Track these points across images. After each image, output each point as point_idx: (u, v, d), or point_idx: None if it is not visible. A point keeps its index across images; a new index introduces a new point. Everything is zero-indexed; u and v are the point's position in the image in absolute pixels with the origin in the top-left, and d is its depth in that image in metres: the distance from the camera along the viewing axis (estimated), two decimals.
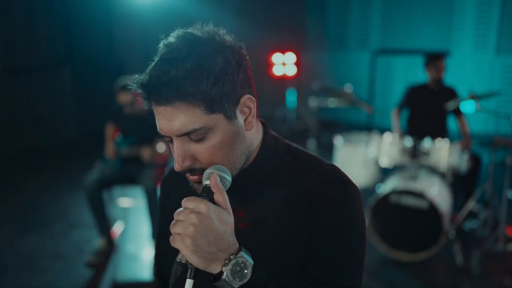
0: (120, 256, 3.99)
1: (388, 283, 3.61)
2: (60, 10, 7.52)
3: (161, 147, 3.97)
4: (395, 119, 4.59)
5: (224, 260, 0.90)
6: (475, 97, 3.93)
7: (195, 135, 0.95)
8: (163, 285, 1.26)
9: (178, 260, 0.91)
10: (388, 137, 4.21)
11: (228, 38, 1.00)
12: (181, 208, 0.91)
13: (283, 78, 8.30)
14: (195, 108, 0.93)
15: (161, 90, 0.91)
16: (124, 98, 3.97)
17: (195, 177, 1.00)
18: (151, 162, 3.98)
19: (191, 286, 0.91)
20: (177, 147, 0.97)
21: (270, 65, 8.11)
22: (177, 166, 0.97)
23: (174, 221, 0.91)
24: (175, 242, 0.90)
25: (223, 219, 0.91)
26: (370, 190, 4.46)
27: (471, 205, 4.25)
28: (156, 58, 0.96)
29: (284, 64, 8.09)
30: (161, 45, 0.98)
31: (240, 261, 0.90)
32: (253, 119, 1.02)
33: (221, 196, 0.93)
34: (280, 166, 1.09)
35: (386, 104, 8.59)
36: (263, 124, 1.13)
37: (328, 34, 9.36)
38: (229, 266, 0.89)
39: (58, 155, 7.12)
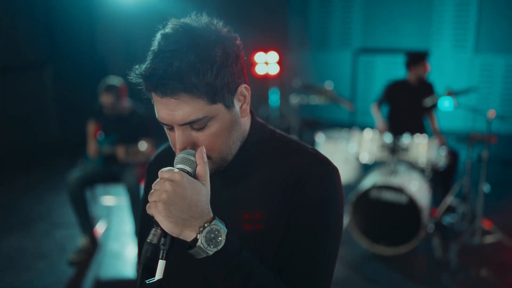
0: (104, 254, 3.99)
1: (369, 277, 3.68)
2: (41, 9, 7.46)
3: (143, 146, 3.96)
4: (377, 113, 4.67)
5: (198, 228, 0.93)
6: (452, 93, 4.03)
7: (197, 124, 1.00)
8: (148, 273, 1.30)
9: (148, 240, 0.93)
10: (368, 133, 4.28)
11: (224, 28, 1.04)
12: (158, 179, 0.96)
13: (266, 77, 8.34)
14: (199, 99, 0.97)
15: (167, 83, 0.94)
16: (106, 99, 3.92)
17: None
18: (128, 161, 3.97)
19: (164, 267, 0.94)
20: (179, 135, 1.01)
21: (253, 64, 8.14)
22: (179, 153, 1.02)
23: (152, 190, 0.95)
24: (150, 209, 0.93)
25: (197, 188, 0.94)
26: (351, 186, 4.53)
27: (449, 199, 4.35)
28: (155, 49, 0.98)
29: (266, 63, 8.12)
30: (158, 36, 1.00)
31: (214, 229, 0.94)
32: (247, 106, 1.09)
33: (203, 169, 0.98)
34: (267, 149, 1.15)
35: (368, 102, 8.68)
36: (250, 111, 1.19)
37: (311, 34, 9.44)
38: (204, 233, 0.93)
39: (41, 155, 7.06)
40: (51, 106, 7.77)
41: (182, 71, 0.94)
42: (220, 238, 0.94)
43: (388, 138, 4.20)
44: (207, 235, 0.93)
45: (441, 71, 8.14)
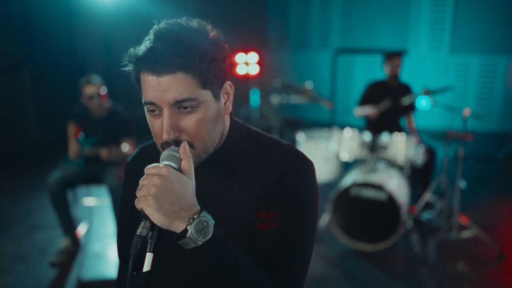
0: (85, 255, 3.97)
1: (349, 273, 3.73)
2: (18, 11, 7.36)
3: (125, 147, 3.96)
4: (362, 110, 4.67)
5: (188, 219, 0.98)
6: (429, 92, 4.12)
7: (188, 103, 1.04)
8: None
9: (138, 233, 0.97)
10: (348, 132, 4.34)
11: (213, 31, 1.11)
12: (145, 175, 0.99)
13: (246, 77, 8.37)
14: (192, 80, 1.03)
15: (168, 57, 1.00)
16: (90, 90, 3.94)
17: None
18: (111, 161, 3.97)
19: (151, 259, 0.98)
20: (167, 116, 1.04)
21: (233, 65, 8.17)
22: (165, 136, 1.05)
23: (139, 186, 0.98)
24: (140, 203, 0.97)
25: (183, 182, 0.99)
26: (331, 184, 4.59)
27: (427, 196, 4.44)
28: (151, 37, 1.04)
29: (247, 63, 8.15)
30: (153, 29, 1.06)
31: (203, 220, 0.99)
32: (230, 105, 1.16)
33: (188, 163, 1.02)
34: (245, 148, 1.20)
35: (347, 102, 8.80)
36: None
37: (290, 34, 9.51)
38: (193, 224, 0.97)
39: (19, 158, 6.97)
40: (30, 108, 7.67)
41: (181, 50, 1.01)
42: (209, 229, 0.99)
43: (367, 136, 4.27)
44: (196, 226, 0.97)
45: (418, 70, 8.29)
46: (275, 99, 5.30)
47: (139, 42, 1.08)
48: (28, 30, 7.49)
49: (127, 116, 4.13)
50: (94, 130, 4.04)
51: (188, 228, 0.97)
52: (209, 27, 1.11)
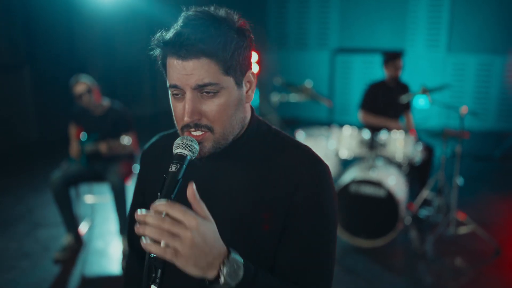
0: (88, 252, 4.01)
1: (350, 269, 3.78)
2: (19, 10, 7.39)
3: (123, 139, 4.01)
4: (373, 118, 4.68)
5: (219, 265, 0.95)
6: (426, 90, 4.18)
7: (210, 88, 1.06)
8: (138, 257, 1.36)
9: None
10: (347, 130, 4.40)
11: (240, 20, 1.14)
12: (163, 213, 0.92)
13: None
14: (216, 66, 1.05)
15: (194, 43, 1.03)
16: (78, 88, 3.98)
17: (198, 132, 1.09)
18: (112, 154, 4.01)
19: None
20: (189, 99, 1.07)
21: None
22: (186, 119, 1.07)
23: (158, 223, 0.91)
24: (168, 255, 0.91)
25: (210, 229, 0.95)
26: None
27: (425, 193, 4.50)
28: (179, 23, 1.08)
29: None
30: (181, 15, 1.10)
31: (233, 263, 0.97)
32: (252, 93, 1.17)
33: (199, 206, 0.96)
34: (262, 143, 1.21)
35: (345, 101, 8.86)
36: (250, 107, 1.26)
37: (289, 34, 9.56)
38: (225, 270, 0.95)
39: (20, 157, 7.00)
40: (30, 108, 7.70)
41: (206, 37, 1.04)
42: (240, 271, 0.97)
43: (366, 134, 4.33)
44: (229, 270, 0.96)
45: (416, 70, 8.35)
46: (274, 98, 5.35)
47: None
48: (28, 30, 7.51)
49: (125, 111, 4.18)
50: (94, 128, 4.08)
51: (220, 275, 0.95)
52: (236, 16, 1.13)
